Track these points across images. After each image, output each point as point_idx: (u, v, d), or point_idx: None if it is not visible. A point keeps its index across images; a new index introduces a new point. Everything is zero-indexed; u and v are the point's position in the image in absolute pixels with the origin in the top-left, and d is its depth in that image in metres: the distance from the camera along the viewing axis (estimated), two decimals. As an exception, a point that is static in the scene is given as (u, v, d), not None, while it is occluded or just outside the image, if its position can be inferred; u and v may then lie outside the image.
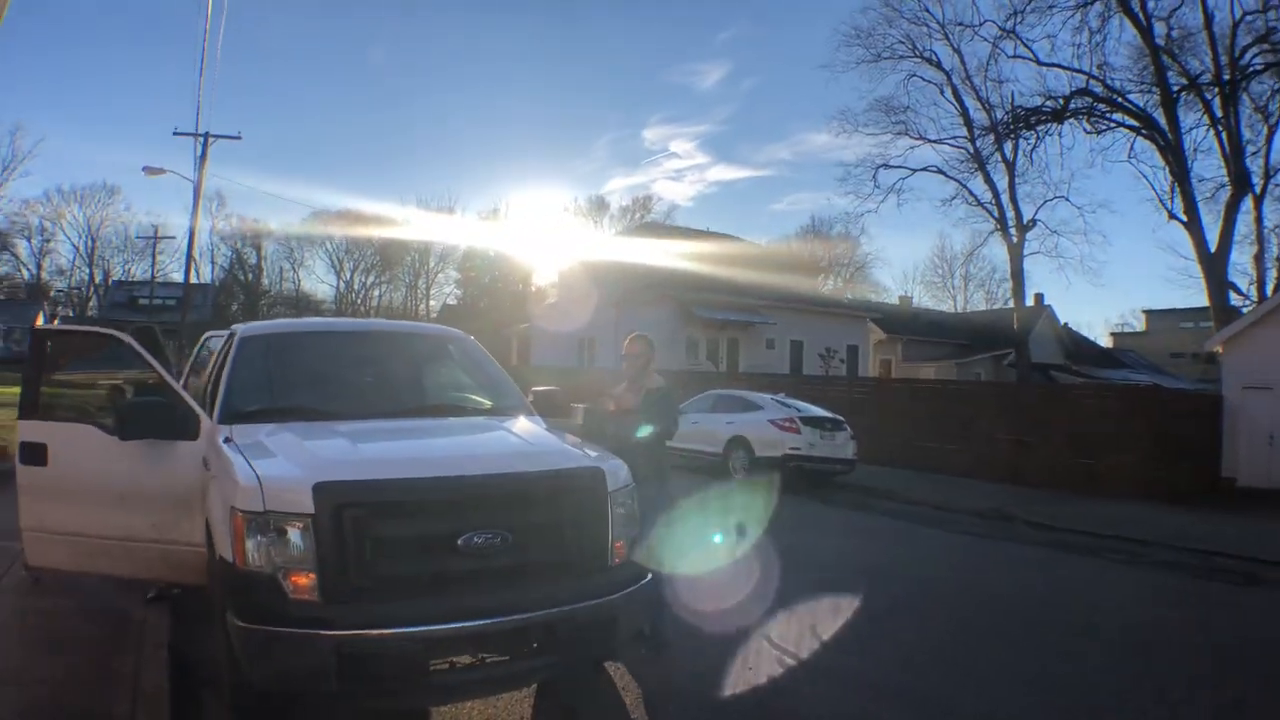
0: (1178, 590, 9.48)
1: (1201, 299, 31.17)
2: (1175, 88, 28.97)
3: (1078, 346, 48.52)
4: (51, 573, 5.66)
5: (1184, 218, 28.92)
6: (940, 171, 35.95)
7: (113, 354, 5.52)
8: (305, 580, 3.64)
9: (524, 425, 5.19)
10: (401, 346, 6.30)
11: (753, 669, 5.65)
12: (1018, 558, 10.94)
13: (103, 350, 5.96)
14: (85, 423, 5.29)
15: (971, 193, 35.42)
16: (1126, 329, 67.34)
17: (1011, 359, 38.09)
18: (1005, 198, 34.04)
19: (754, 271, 34.73)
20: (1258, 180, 29.53)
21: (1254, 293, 31.13)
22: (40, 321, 45.34)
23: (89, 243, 72.07)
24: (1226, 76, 27.89)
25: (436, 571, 3.85)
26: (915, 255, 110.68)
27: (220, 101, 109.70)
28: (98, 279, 72.76)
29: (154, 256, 63.90)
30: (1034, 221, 34.30)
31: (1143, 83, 30.05)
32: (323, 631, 3.56)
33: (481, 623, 3.77)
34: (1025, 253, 34.47)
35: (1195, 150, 29.91)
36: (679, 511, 6.24)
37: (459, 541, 3.84)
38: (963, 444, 20.13)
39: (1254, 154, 29.34)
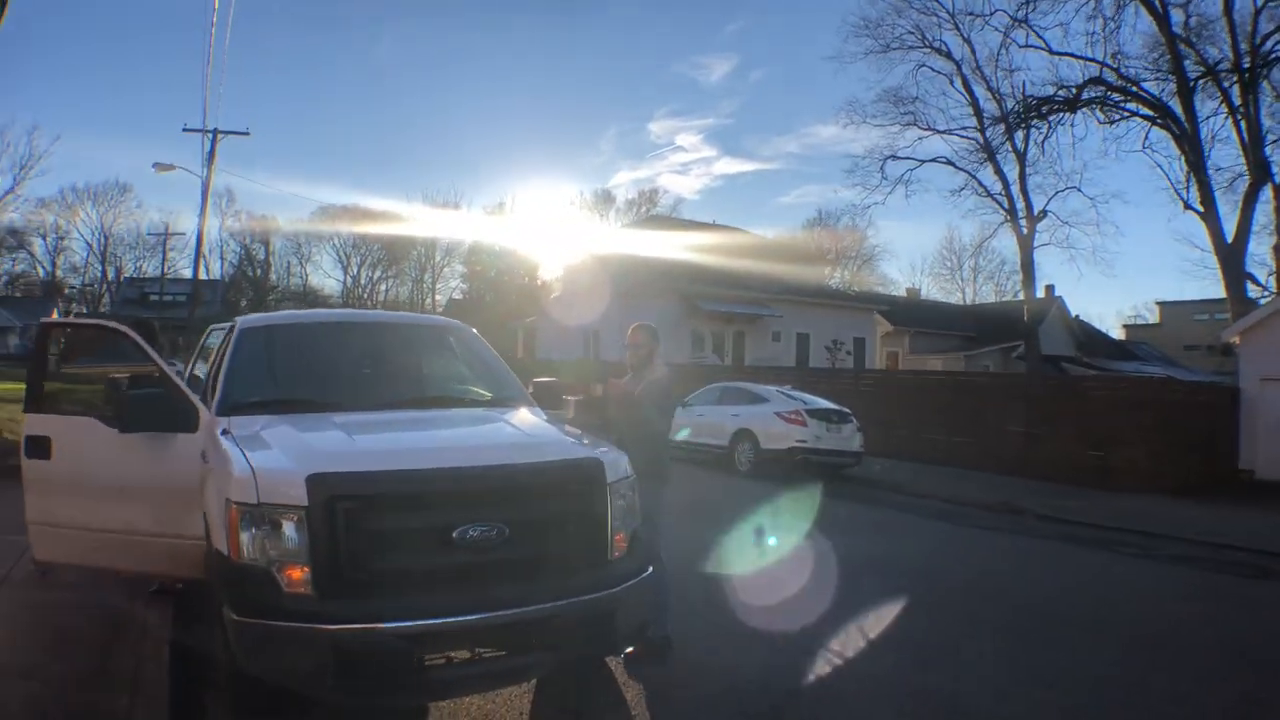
0: (1191, 584, 9.27)
1: (1216, 290, 30.75)
2: (1192, 76, 28.44)
3: (1089, 338, 48.08)
4: (58, 567, 5.67)
5: (1200, 208, 28.42)
6: (949, 163, 35.49)
7: (121, 348, 5.47)
8: (299, 574, 3.61)
9: (523, 416, 5.12)
10: (401, 337, 6.27)
11: (758, 666, 5.51)
12: (1027, 551, 10.74)
13: (107, 344, 5.94)
14: (88, 416, 5.27)
15: (981, 184, 34.97)
16: (1139, 321, 66.93)
17: (1020, 351, 37.70)
18: (1015, 189, 33.62)
19: (760, 264, 34.61)
20: (1277, 170, 28.99)
21: (1273, 284, 30.64)
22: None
23: (102, 240, 73.08)
24: (1246, 64, 27.32)
25: (432, 565, 3.81)
26: (923, 247, 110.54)
27: (229, 99, 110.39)
28: (110, 276, 73.74)
29: (164, 253, 64.95)
30: (1045, 213, 33.91)
31: (1158, 71, 29.59)
32: (318, 626, 3.51)
33: (477, 617, 3.72)
34: (1036, 244, 34.09)
35: (1213, 139, 29.41)
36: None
37: (454, 534, 3.78)
38: (971, 436, 19.85)
39: (1274, 142, 28.84)
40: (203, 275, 60.68)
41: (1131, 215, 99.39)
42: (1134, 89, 30.20)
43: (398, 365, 5.84)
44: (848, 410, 16.80)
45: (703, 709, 4.86)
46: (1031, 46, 32.47)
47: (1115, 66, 30.38)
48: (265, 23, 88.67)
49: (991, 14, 32.60)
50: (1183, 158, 29.07)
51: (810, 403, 16.51)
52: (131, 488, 5.03)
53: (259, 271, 73.55)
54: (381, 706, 4.27)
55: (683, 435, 16.46)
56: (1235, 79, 27.72)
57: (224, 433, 4.35)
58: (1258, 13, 27.36)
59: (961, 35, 33.66)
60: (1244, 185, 28.03)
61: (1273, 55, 27.41)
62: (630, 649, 5.18)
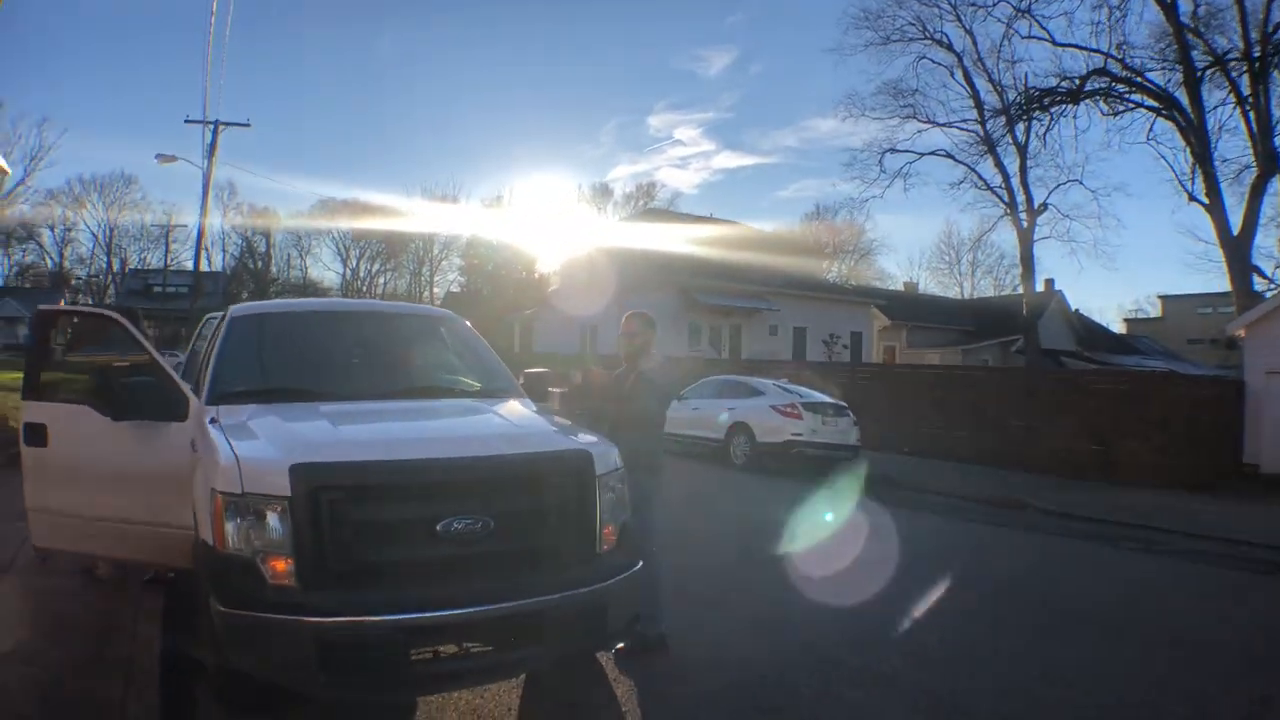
0: (1204, 580, 9.08)
1: (1220, 284, 30.49)
2: (1200, 66, 28.04)
3: (1089, 332, 47.89)
4: (57, 553, 5.70)
5: (1205, 200, 28.10)
6: (949, 155, 35.33)
7: (122, 337, 5.44)
8: (284, 565, 3.58)
9: (512, 407, 5.07)
10: (392, 327, 6.22)
11: (759, 663, 5.38)
12: (1032, 546, 10.54)
13: (106, 332, 5.92)
14: (82, 404, 5.24)
15: (981, 176, 34.79)
16: (1141, 315, 66.45)
17: (1020, 345, 37.50)
18: (1016, 181, 33.45)
19: (758, 258, 34.51)
20: (1287, 160, 28.62)
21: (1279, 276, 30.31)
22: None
23: (107, 232, 73.51)
24: (1257, 53, 26.91)
25: (416, 558, 3.76)
26: (921, 241, 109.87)
27: (231, 93, 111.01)
28: (115, 268, 74.21)
29: (167, 244, 65.57)
30: (1045, 205, 33.73)
31: (1164, 62, 29.24)
32: (301, 618, 3.48)
33: (463, 612, 3.68)
34: (1036, 237, 33.97)
35: (1220, 130, 28.98)
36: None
37: (439, 527, 3.73)
38: (970, 430, 19.69)
39: (1284, 132, 28.40)
40: (205, 267, 61.28)
41: (1134, 208, 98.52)
42: (1139, 80, 29.91)
43: (388, 355, 5.75)
44: (844, 404, 16.72)
45: (699, 706, 4.73)
46: (1034, 38, 32.24)
47: (1120, 57, 30.13)
48: (267, 17, 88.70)
49: (995, 4, 32.32)
50: (1188, 149, 28.77)
51: (806, 396, 16.42)
52: (124, 476, 5.03)
53: (260, 264, 73.84)
54: (368, 700, 4.23)
55: (677, 428, 16.24)
56: (1245, 68, 27.33)
57: (212, 421, 4.32)
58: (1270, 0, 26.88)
59: (963, 26, 33.48)
60: (1251, 176, 27.66)
61: (1286, 42, 26.90)
62: (621, 644, 5.13)
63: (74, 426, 5.13)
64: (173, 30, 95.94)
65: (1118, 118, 31.74)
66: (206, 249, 64.28)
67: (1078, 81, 30.95)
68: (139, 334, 5.25)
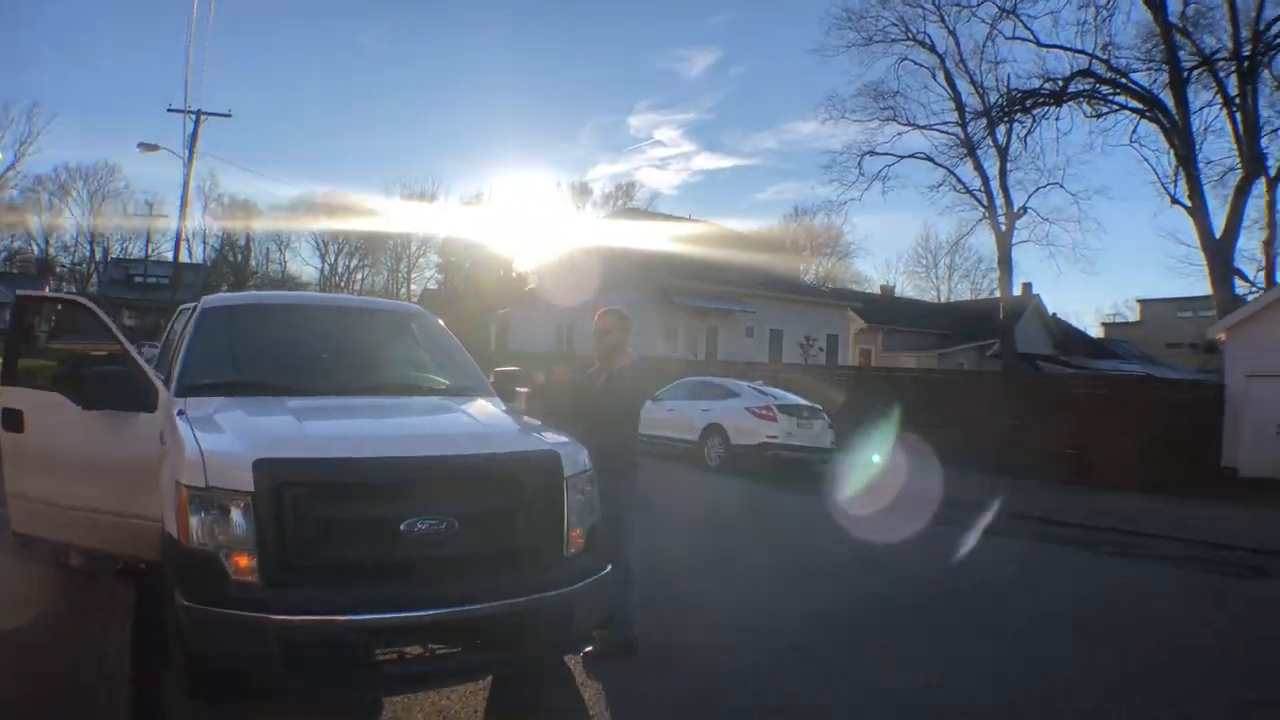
0: (1182, 584, 9.02)
1: (1201, 287, 30.55)
2: (1187, 67, 27.99)
3: (1067, 337, 48.03)
4: (36, 540, 5.68)
5: (1188, 202, 28.04)
6: (929, 158, 35.20)
7: (97, 325, 5.40)
8: (247, 561, 3.55)
9: (480, 407, 5.02)
10: (364, 323, 6.21)
11: (732, 670, 5.34)
12: (1009, 550, 10.41)
13: (82, 320, 5.89)
14: (56, 392, 5.30)
15: (960, 179, 34.71)
16: (1119, 319, 66.70)
17: (996, 349, 37.47)
18: (995, 184, 33.35)
19: (735, 260, 34.48)
20: (1274, 162, 28.65)
21: (1263, 279, 30.21)
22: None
23: (91, 219, 72.59)
24: (1247, 52, 26.85)
25: (380, 557, 3.70)
26: (899, 244, 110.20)
27: (213, 87, 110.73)
28: (99, 256, 73.46)
29: (149, 235, 65.38)
30: (1025, 209, 33.68)
31: (1150, 62, 29.15)
32: (264, 615, 3.44)
33: (425, 613, 3.64)
34: (1014, 241, 33.88)
35: (1205, 131, 28.95)
36: None
37: (401, 526, 3.69)
38: (945, 434, 19.38)
39: (1271, 133, 28.48)
40: (186, 259, 60.69)
41: (1114, 211, 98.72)
42: (1123, 81, 29.82)
43: (358, 350, 5.72)
44: (819, 406, 16.72)
45: (668, 711, 4.74)
46: (1019, 39, 32.10)
47: (1105, 58, 30.04)
48: (253, 11, 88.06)
49: (979, 4, 32.11)
50: (1172, 151, 28.68)
51: (781, 398, 16.42)
52: (94, 465, 5.05)
53: (239, 257, 73.42)
54: (334, 698, 4.20)
55: (650, 429, 16.07)
56: (1233, 68, 27.25)
57: (179, 413, 4.29)
58: (1264, -2, 26.80)
59: (947, 27, 33.33)
60: (1235, 179, 27.66)
61: (1278, 40, 26.91)
62: (590, 648, 5.07)
63: (49, 414, 5.17)
64: (158, 19, 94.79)
65: (1101, 120, 31.73)
66: (187, 240, 63.97)
67: (1061, 83, 30.92)
68: (111, 323, 5.22)
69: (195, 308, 5.82)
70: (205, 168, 73.18)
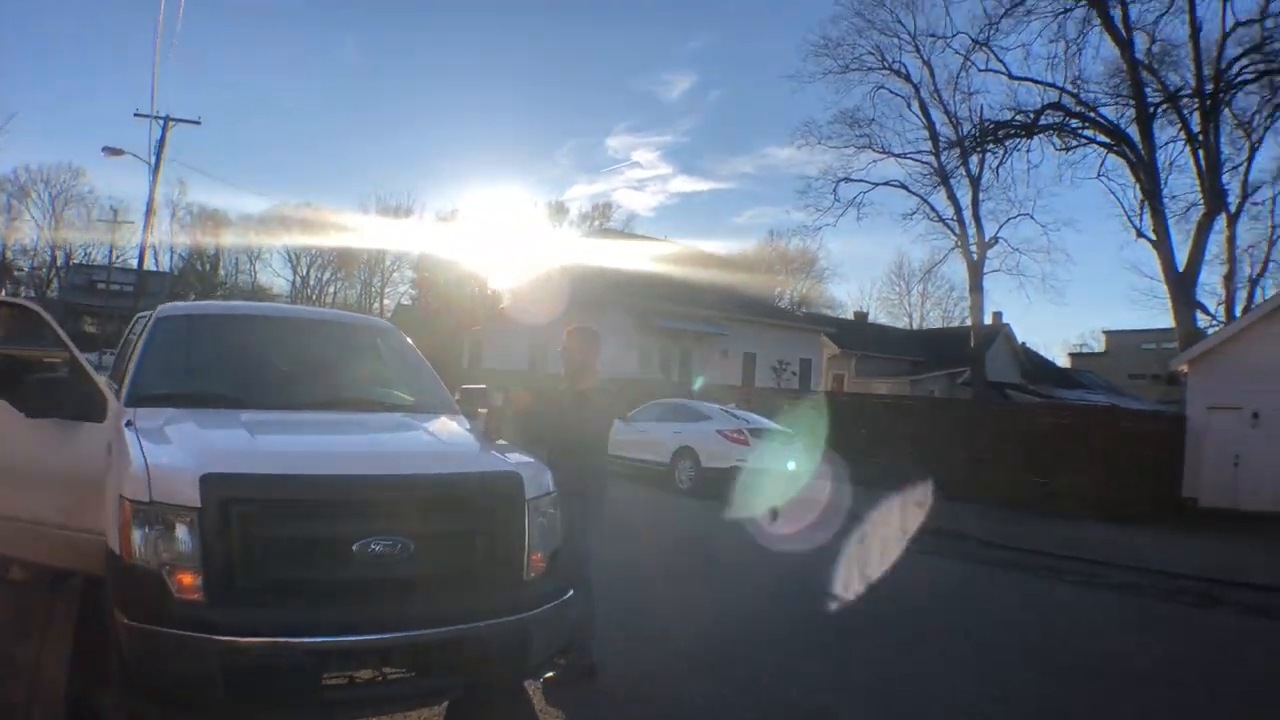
0: (1134, 612, 9.16)
1: (1163, 319, 31.03)
2: (1153, 103, 28.51)
3: (1035, 366, 48.47)
4: None
5: (1153, 236, 28.48)
6: (903, 186, 35.53)
7: (41, 330, 5.26)
8: (191, 579, 3.40)
9: (442, 424, 4.88)
10: (326, 335, 6.03)
11: (683, 693, 5.33)
12: (971, 577, 10.52)
13: (31, 325, 5.67)
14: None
15: (933, 208, 35.07)
16: (1085, 349, 67.37)
17: (966, 377, 37.78)
18: (968, 214, 33.70)
19: (710, 283, 34.60)
20: (1234, 199, 29.27)
21: (1222, 313, 30.88)
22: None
23: (52, 223, 70.77)
24: (1210, 89, 27.38)
25: (331, 578, 3.59)
26: (873, 271, 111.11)
27: (184, 97, 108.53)
28: (60, 261, 71.76)
29: (113, 240, 63.50)
30: (996, 239, 34.05)
31: (1118, 97, 29.64)
32: (207, 636, 3.30)
33: (376, 637, 3.52)
34: (986, 270, 34.22)
35: (1170, 166, 29.51)
36: None
37: (354, 547, 3.55)
38: (915, 461, 19.52)
39: (1232, 170, 29.11)
40: (153, 267, 59.67)
41: (1082, 243, 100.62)
42: (1092, 115, 30.28)
43: (318, 364, 5.55)
44: (791, 430, 16.67)
45: None
46: (991, 70, 32.58)
47: (1075, 92, 30.51)
48: (228, 19, 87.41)
49: (954, 36, 32.76)
50: (1138, 185, 29.11)
51: (754, 422, 16.39)
52: (38, 475, 4.81)
53: (208, 266, 72.54)
54: None
55: (621, 451, 16.04)
56: (1196, 105, 27.72)
57: (128, 424, 4.13)
58: (1225, 36, 27.41)
59: (921, 58, 33.83)
60: (1198, 214, 28.10)
61: (1239, 79, 27.49)
62: (550, 674, 4.99)
63: None
64: (128, 16, 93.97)
65: (1070, 153, 32.15)
66: (154, 248, 62.99)
67: (1032, 115, 31.36)
68: (59, 329, 5.05)
69: (150, 316, 5.69)
70: (175, 175, 72.12)
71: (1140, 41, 28.69)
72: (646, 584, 7.81)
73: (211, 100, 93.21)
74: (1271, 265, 38.57)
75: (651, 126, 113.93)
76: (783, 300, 53.93)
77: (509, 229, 72.83)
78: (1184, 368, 21.52)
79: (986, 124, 32.32)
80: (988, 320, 40.58)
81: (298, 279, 75.12)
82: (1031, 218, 35.47)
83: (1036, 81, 31.67)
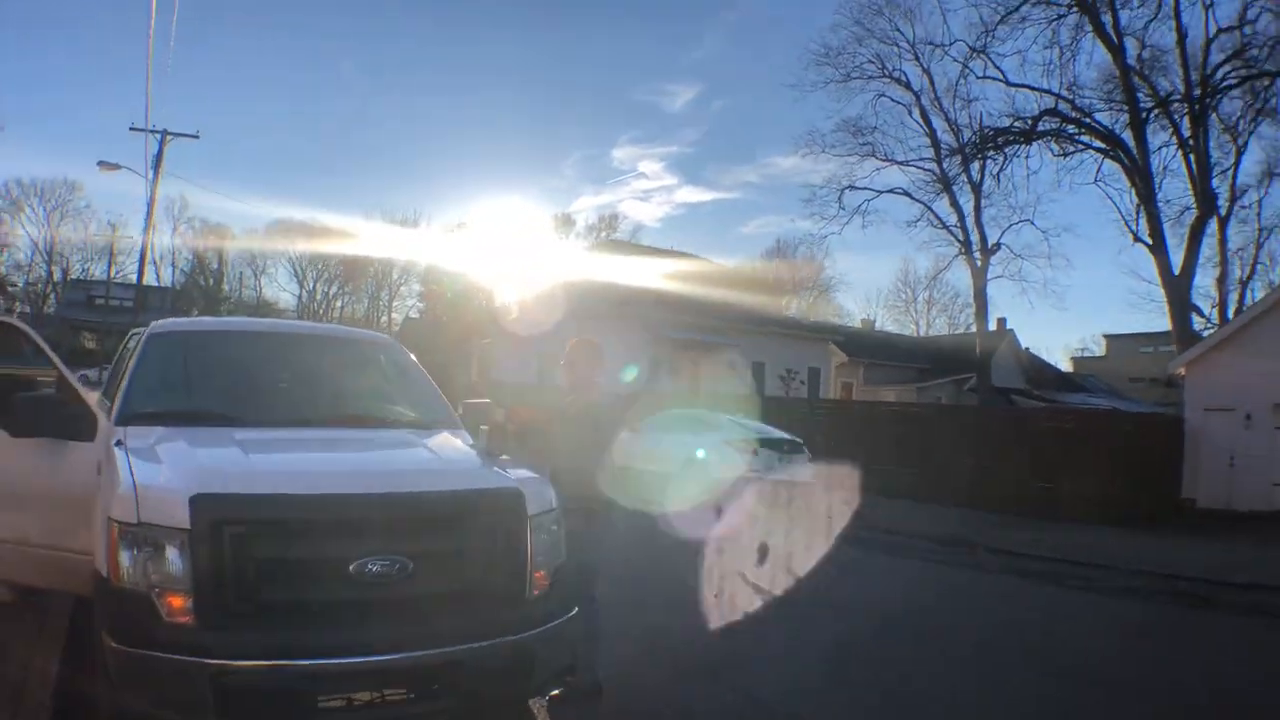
0: (1137, 617, 9.24)
1: (1162, 323, 31.13)
2: (1145, 108, 28.71)
3: (1038, 371, 48.48)
4: None
5: (1149, 240, 28.68)
6: (906, 193, 35.67)
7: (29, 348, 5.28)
8: (181, 602, 3.35)
9: (444, 441, 4.81)
10: (325, 351, 5.91)
11: (691, 711, 5.28)
12: (976, 585, 10.63)
13: (11, 342, 5.66)
14: None
15: (937, 215, 35.16)
16: (1087, 354, 67.56)
17: (973, 383, 37.89)
18: (970, 221, 33.80)
19: (717, 293, 34.45)
20: (1223, 202, 29.59)
21: (1216, 316, 31.16)
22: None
23: (48, 238, 70.03)
24: (1197, 94, 27.61)
25: (327, 599, 3.53)
26: (879, 279, 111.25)
27: (185, 109, 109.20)
28: (56, 276, 71.15)
29: (111, 255, 63.19)
30: (999, 245, 34.13)
31: (1112, 103, 29.82)
32: (198, 659, 3.26)
33: (375, 659, 3.47)
34: (989, 277, 34.30)
35: (1164, 171, 29.72)
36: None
37: (351, 567, 3.51)
38: (923, 467, 19.87)
39: (1221, 174, 29.32)
40: (154, 282, 59.32)
41: (1082, 248, 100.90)
42: (1088, 120, 30.44)
43: (316, 380, 5.49)
44: (800, 440, 16.80)
45: None
46: (989, 78, 32.69)
47: (1070, 98, 30.66)
48: (232, 33, 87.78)
49: (952, 43, 32.84)
50: (1134, 190, 29.30)
51: (762, 432, 16.47)
52: (25, 495, 4.73)
53: (211, 281, 72.27)
54: None
55: (628, 462, 16.22)
56: (1185, 110, 27.96)
57: (118, 443, 4.06)
58: (1209, 42, 27.66)
59: (921, 66, 33.97)
60: (1191, 218, 28.32)
61: (1223, 84, 27.73)
62: (555, 692, 4.90)
63: None
64: (124, 29, 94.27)
65: (1068, 159, 32.28)
66: (154, 263, 62.75)
67: (1030, 121, 31.50)
68: (44, 346, 5.00)
69: (143, 333, 5.56)
70: (175, 189, 71.36)
71: (1131, 47, 28.91)
72: (654, 599, 7.78)
73: (212, 114, 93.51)
74: (1260, 267, 39.21)
75: (656, 137, 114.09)
76: (791, 310, 54.13)
77: (516, 241, 73.32)
78: (1181, 370, 21.72)
79: (986, 131, 32.47)
80: (992, 327, 40.71)
81: (304, 293, 75.09)
82: (1032, 223, 35.63)
83: (1033, 88, 31.91)
